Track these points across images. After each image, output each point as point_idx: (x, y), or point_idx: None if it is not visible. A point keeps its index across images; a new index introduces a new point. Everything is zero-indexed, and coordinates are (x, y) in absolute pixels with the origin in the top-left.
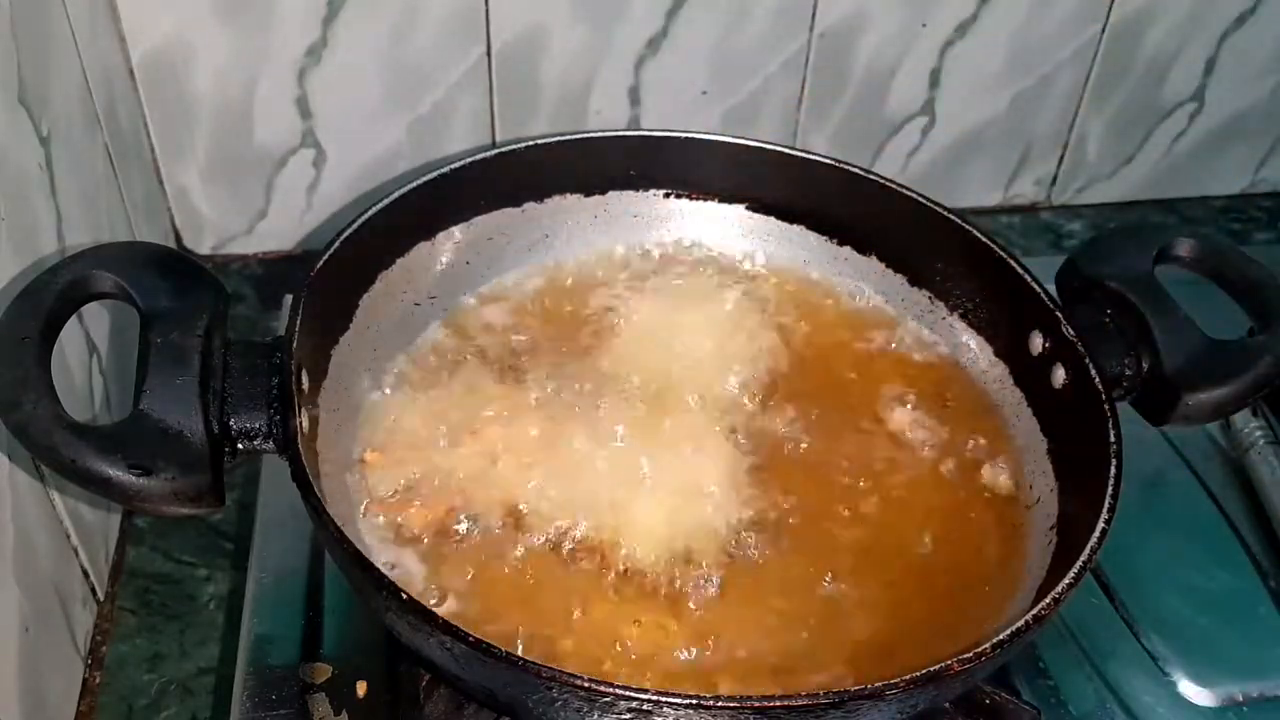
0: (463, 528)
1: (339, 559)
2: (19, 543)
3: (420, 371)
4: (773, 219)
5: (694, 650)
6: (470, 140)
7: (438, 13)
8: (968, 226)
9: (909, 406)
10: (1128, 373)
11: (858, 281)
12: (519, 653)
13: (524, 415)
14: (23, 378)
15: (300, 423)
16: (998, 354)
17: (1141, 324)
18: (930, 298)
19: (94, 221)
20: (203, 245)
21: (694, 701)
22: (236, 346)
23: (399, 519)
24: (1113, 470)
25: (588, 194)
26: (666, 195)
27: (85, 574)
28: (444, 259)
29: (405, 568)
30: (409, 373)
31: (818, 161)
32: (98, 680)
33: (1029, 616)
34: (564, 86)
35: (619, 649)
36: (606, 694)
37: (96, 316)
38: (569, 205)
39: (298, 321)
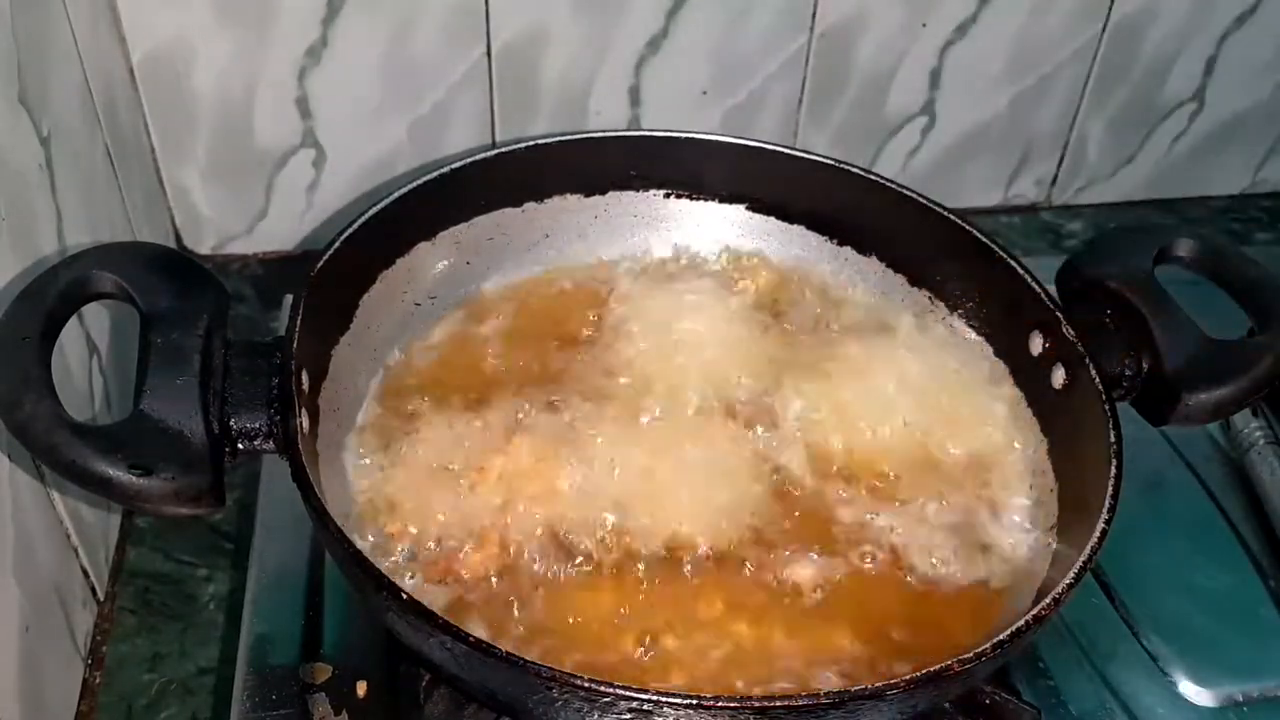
0: (519, 563)
1: (339, 559)
2: (19, 543)
3: (416, 397)
4: (773, 219)
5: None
6: (470, 140)
7: (438, 13)
8: (968, 226)
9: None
10: (1128, 373)
11: (858, 281)
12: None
13: (531, 428)
14: (23, 377)
15: (300, 423)
16: (998, 354)
17: (1141, 324)
18: (930, 297)
19: (94, 221)
20: (203, 245)
21: (694, 701)
22: (237, 346)
23: (451, 577)
24: (1113, 470)
25: (588, 194)
26: (666, 195)
27: (85, 574)
28: (444, 259)
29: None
30: (404, 403)
31: (818, 161)
32: (98, 680)
33: (1029, 616)
34: (564, 86)
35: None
36: (606, 694)
37: (97, 316)
38: (569, 205)
39: (298, 321)
